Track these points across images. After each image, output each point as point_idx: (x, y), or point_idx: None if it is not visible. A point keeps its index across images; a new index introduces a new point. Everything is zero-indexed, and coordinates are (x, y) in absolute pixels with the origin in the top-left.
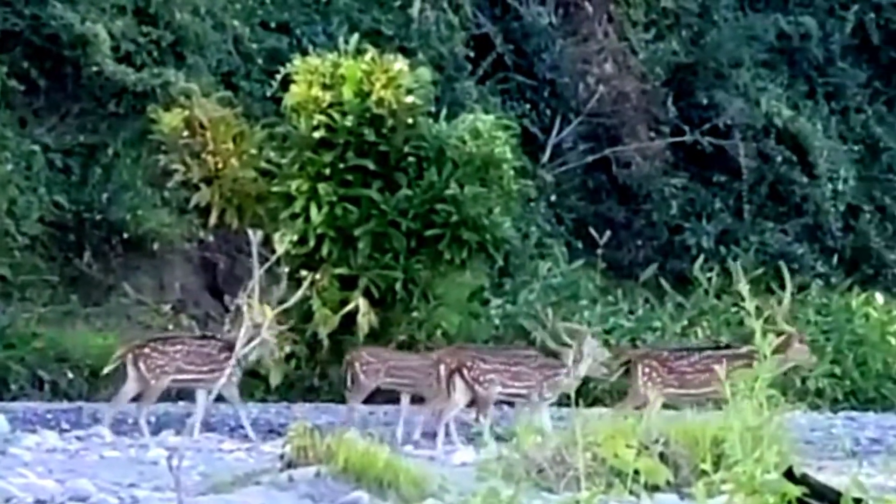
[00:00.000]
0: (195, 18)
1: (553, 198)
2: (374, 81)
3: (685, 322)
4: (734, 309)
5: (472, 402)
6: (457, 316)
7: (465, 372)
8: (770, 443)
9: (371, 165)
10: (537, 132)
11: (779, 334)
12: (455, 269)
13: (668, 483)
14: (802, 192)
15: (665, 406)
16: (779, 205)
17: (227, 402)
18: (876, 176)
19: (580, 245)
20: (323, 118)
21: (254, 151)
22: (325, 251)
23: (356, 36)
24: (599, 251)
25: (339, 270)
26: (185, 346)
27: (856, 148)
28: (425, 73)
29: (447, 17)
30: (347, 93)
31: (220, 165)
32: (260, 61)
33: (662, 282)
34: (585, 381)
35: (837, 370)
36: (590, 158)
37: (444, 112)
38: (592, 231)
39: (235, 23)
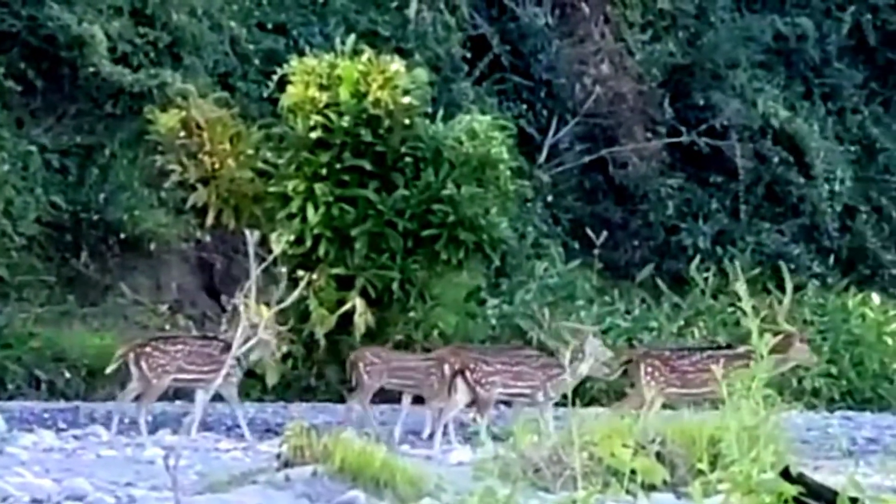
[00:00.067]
0: (192, 19)
1: (550, 198)
2: (370, 82)
3: (681, 322)
4: (731, 309)
5: (472, 403)
6: (453, 316)
7: (467, 374)
8: (766, 442)
9: (368, 166)
10: (534, 133)
11: (776, 333)
12: (452, 270)
13: (664, 482)
14: (799, 192)
15: (662, 406)
16: (775, 205)
17: (224, 401)
18: (872, 176)
19: (577, 245)
20: (319, 119)
21: (250, 152)
22: (321, 251)
23: (353, 37)
24: (596, 251)
25: (335, 270)
26: (187, 345)
27: (852, 148)
28: (422, 73)
29: (444, 17)
30: (344, 93)
31: (216, 166)
32: (257, 62)
33: (659, 282)
34: (582, 380)
35: (834, 370)
36: (586, 159)
37: (440, 113)
38: (589, 231)
39: (232, 24)
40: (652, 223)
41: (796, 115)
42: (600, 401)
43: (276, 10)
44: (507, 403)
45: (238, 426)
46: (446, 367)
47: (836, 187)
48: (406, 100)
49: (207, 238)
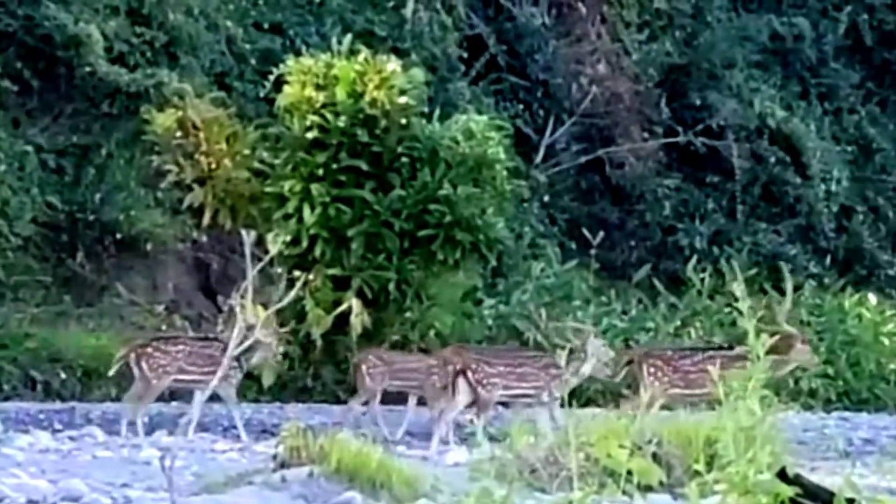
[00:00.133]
0: (188, 19)
1: (546, 198)
2: (367, 82)
3: (678, 322)
4: (727, 309)
5: (472, 403)
6: (450, 316)
7: (469, 374)
8: (763, 443)
9: (364, 166)
10: (530, 133)
11: (773, 334)
12: (448, 270)
13: (661, 483)
14: (795, 192)
15: (660, 406)
16: (772, 205)
17: (221, 402)
18: (869, 177)
19: (573, 245)
20: (316, 119)
21: (247, 152)
22: (318, 252)
23: (349, 37)
24: (592, 252)
25: (332, 271)
26: (188, 346)
27: (849, 149)
28: (418, 73)
29: (440, 17)
30: (340, 93)
31: (213, 166)
32: (253, 62)
33: (655, 282)
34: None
35: (830, 370)
36: (583, 159)
37: (437, 113)
38: (585, 231)
39: (229, 23)
40: (648, 223)
41: (793, 115)
42: (597, 402)
43: (272, 10)
44: (507, 404)
45: (234, 427)
46: (450, 368)
47: (833, 187)
48: (402, 100)
49: (204, 238)
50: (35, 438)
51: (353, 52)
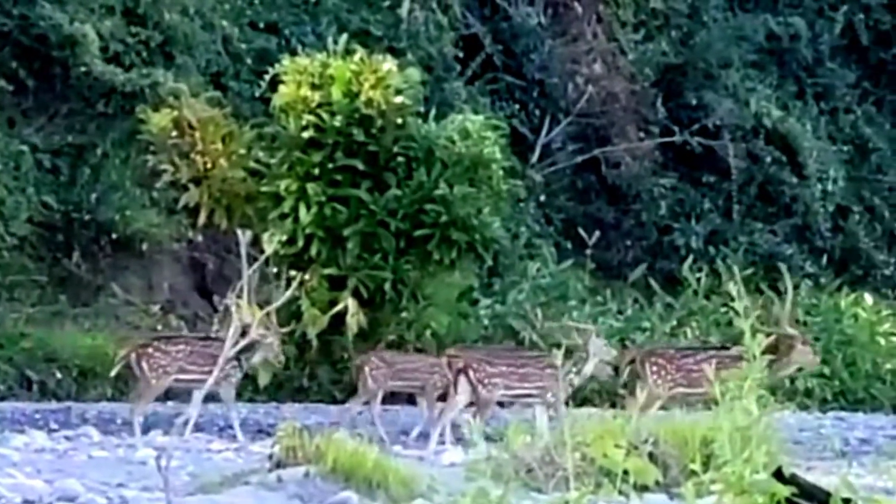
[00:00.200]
0: (184, 19)
1: (542, 198)
2: (362, 82)
3: (674, 322)
4: (723, 309)
5: (472, 403)
6: (446, 316)
7: (470, 373)
8: (759, 443)
9: (360, 165)
10: (526, 132)
11: (770, 334)
12: (444, 270)
13: (657, 483)
14: (792, 192)
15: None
16: (768, 205)
17: (217, 402)
18: (865, 176)
19: (569, 245)
20: (312, 118)
21: (243, 151)
22: (313, 251)
23: (345, 36)
24: (588, 251)
25: (328, 271)
26: (189, 346)
27: (845, 148)
28: (414, 73)
29: (436, 17)
30: (336, 93)
31: (208, 165)
32: (249, 61)
33: (651, 282)
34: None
35: (827, 370)
36: (579, 159)
37: (433, 112)
38: (581, 231)
39: (224, 23)
40: (644, 223)
41: (789, 115)
42: (593, 401)
43: (268, 10)
44: (510, 404)
45: (230, 427)
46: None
47: (829, 187)
48: (398, 99)
49: (199, 238)
50: (31, 438)
51: (348, 52)
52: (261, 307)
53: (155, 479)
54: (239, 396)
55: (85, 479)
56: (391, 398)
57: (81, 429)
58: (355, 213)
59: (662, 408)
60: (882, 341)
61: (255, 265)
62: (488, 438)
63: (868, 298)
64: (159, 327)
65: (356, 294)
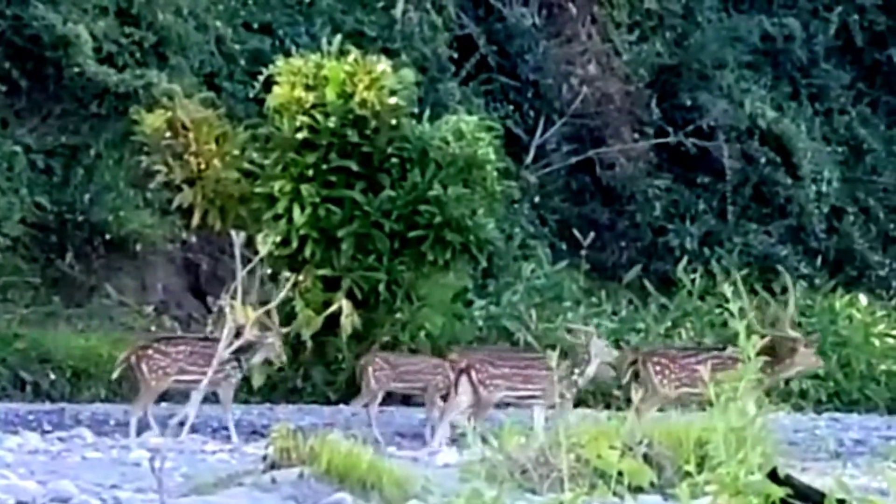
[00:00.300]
0: (178, 19)
1: (537, 199)
2: (356, 82)
3: (669, 323)
4: (718, 310)
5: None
6: (440, 317)
7: (472, 373)
8: (754, 444)
9: (354, 166)
10: (521, 133)
11: (763, 336)
12: (438, 271)
13: (651, 484)
14: (786, 193)
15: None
16: (763, 206)
17: (212, 403)
18: (859, 177)
19: (564, 246)
20: (306, 119)
21: (236, 152)
22: (308, 252)
23: (339, 37)
24: (583, 252)
25: (322, 272)
26: (189, 346)
27: (839, 149)
28: (408, 74)
29: (430, 18)
30: (330, 94)
31: (202, 166)
32: (243, 62)
33: (646, 283)
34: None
35: (821, 371)
36: (573, 160)
37: (427, 113)
38: (576, 232)
39: (218, 24)
40: (639, 224)
41: (783, 116)
42: (587, 402)
43: (261, 10)
44: (513, 405)
45: (224, 428)
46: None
47: (824, 188)
48: (392, 100)
49: (193, 239)
50: (24, 439)
51: (342, 53)
52: (254, 308)
53: (149, 481)
54: (233, 397)
55: (78, 480)
56: (387, 399)
57: (75, 430)
58: (349, 214)
59: (659, 409)
60: (877, 342)
61: (249, 266)
62: (483, 440)
63: (863, 299)
64: (153, 328)
65: (350, 295)
